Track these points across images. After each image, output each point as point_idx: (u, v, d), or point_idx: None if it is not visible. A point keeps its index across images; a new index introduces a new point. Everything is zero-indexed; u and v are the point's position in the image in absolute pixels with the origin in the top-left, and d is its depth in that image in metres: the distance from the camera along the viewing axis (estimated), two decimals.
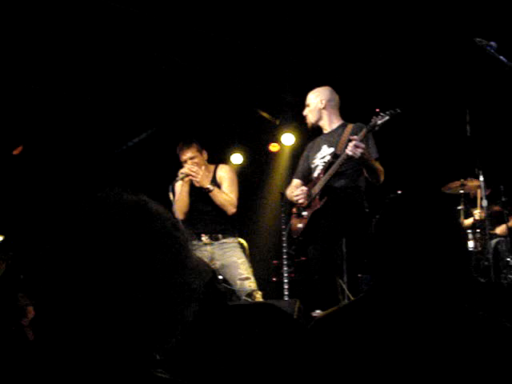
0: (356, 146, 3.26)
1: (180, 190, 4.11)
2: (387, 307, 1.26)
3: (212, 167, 4.25)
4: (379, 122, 3.36)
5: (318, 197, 3.53)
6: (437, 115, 5.54)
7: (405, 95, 5.27)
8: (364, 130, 3.40)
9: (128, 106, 6.24)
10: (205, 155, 4.20)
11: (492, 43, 3.03)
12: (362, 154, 3.26)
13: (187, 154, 4.10)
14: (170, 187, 4.03)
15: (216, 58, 5.50)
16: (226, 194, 4.07)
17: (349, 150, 3.28)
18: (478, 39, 3.06)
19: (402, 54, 5.22)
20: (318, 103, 3.75)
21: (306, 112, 3.82)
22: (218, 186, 4.13)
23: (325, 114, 3.75)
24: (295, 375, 1.30)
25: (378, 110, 3.42)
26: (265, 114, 6.57)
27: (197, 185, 4.04)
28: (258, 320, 1.50)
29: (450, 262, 1.27)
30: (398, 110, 3.36)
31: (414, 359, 1.18)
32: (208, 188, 4.01)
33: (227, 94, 6.14)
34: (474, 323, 1.23)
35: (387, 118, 3.35)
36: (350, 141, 3.39)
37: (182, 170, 4.06)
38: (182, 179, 4.05)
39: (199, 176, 3.99)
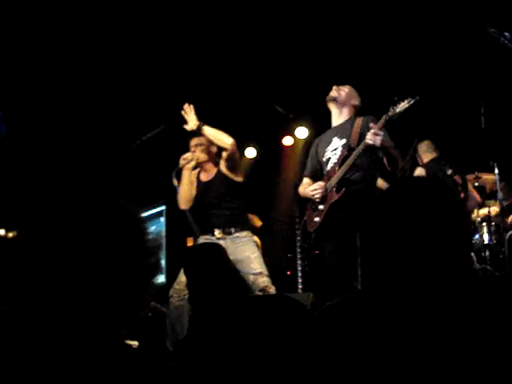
0: (375, 134, 3.23)
1: (183, 177, 4.08)
2: (386, 300, 1.26)
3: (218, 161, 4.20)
4: (398, 110, 3.33)
5: (334, 189, 3.48)
6: (451, 107, 5.51)
7: (419, 87, 5.23)
8: (383, 119, 3.35)
9: (141, 101, 6.27)
10: (214, 149, 4.15)
11: (506, 34, 3.01)
12: (381, 141, 3.24)
13: (195, 140, 4.09)
14: (173, 173, 4.03)
15: (230, 51, 5.51)
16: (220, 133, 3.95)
17: (368, 139, 3.25)
18: (491, 30, 3.04)
19: (416, 45, 5.19)
20: (351, 100, 3.73)
21: (339, 90, 3.73)
22: (224, 175, 4.07)
23: (345, 108, 3.73)
24: (308, 366, 1.31)
25: (396, 98, 3.37)
26: (278, 108, 6.56)
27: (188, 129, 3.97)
28: (273, 311, 1.52)
29: (450, 249, 1.25)
30: (417, 97, 3.32)
31: (415, 350, 1.18)
32: (198, 125, 3.90)
33: (241, 88, 6.14)
34: (471, 313, 1.22)
35: (406, 105, 3.31)
36: (361, 134, 3.40)
37: (183, 156, 4.06)
38: (184, 166, 4.05)
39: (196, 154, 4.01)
